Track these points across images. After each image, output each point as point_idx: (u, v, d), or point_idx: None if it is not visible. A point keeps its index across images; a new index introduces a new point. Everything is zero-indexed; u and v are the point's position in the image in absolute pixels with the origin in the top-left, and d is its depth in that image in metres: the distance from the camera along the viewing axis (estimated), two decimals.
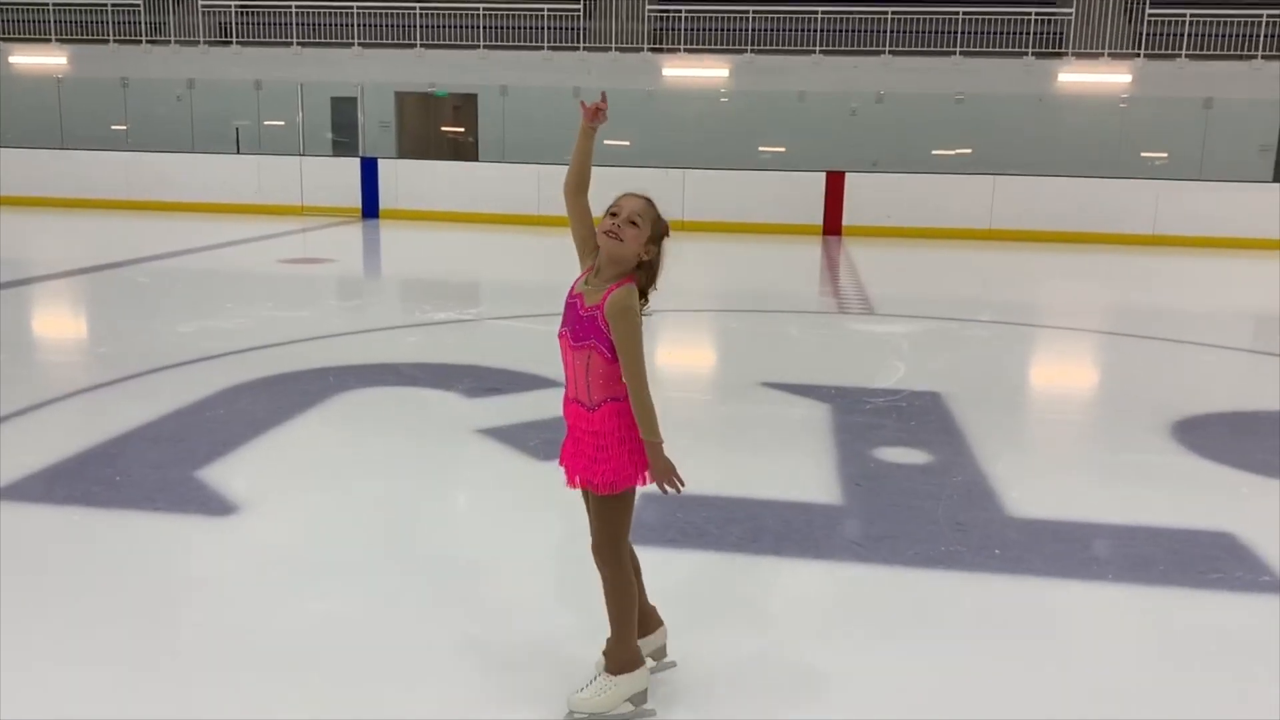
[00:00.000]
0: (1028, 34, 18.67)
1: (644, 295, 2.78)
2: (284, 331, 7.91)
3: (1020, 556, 4.01)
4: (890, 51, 18.72)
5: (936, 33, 18.66)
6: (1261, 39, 17.98)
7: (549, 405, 5.88)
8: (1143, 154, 18.15)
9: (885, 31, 18.71)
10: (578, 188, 2.85)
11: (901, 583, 3.77)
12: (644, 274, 2.77)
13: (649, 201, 2.80)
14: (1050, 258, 14.65)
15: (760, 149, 18.90)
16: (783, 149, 18.89)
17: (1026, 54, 18.70)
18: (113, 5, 20.39)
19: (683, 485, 2.70)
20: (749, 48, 19.06)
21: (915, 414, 6.02)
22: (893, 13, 18.71)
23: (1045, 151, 17.55)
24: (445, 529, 4.25)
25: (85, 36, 20.53)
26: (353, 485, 4.67)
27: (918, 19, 18.73)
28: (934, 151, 18.40)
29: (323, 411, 5.80)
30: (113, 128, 20.09)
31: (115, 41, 20.51)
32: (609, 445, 2.74)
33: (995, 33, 18.68)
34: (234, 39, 20.30)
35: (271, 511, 4.33)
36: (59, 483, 4.55)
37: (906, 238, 16.28)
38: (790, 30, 19.03)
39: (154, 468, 4.78)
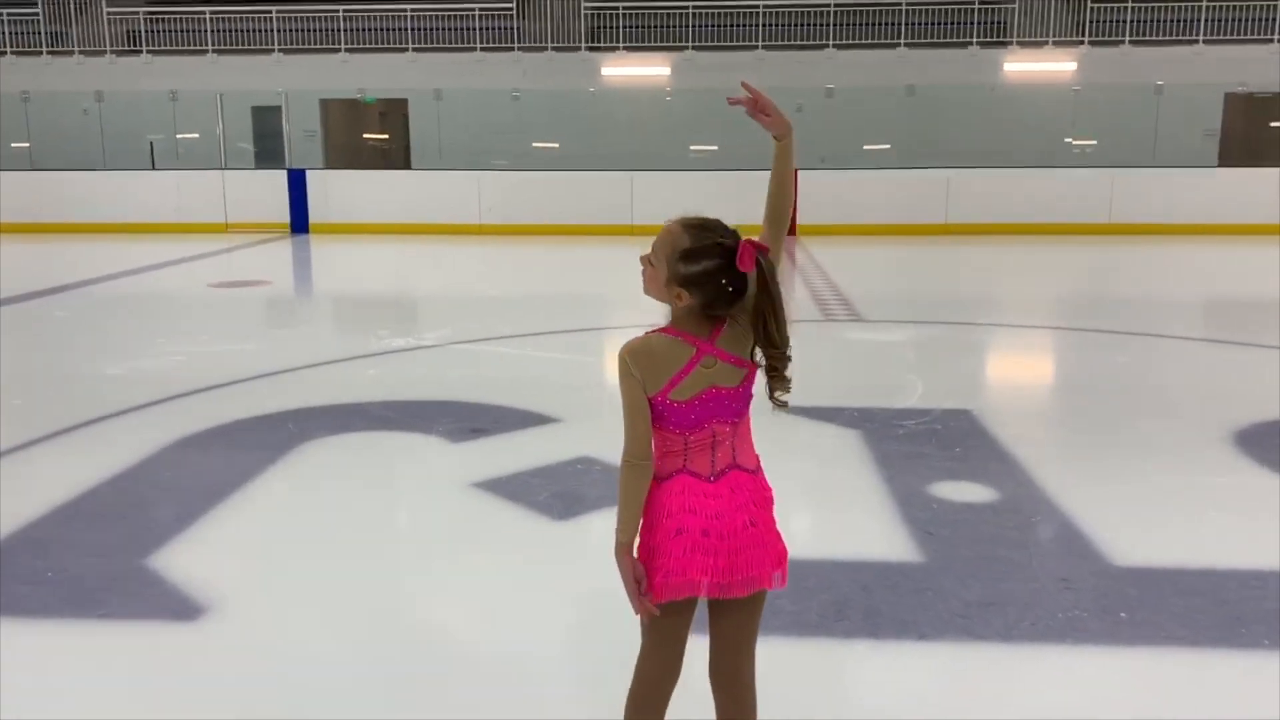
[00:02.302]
0: (972, 24, 18.38)
1: (773, 369, 2.15)
2: (228, 369, 7.04)
3: (1151, 620, 3.41)
4: (835, 45, 18.28)
5: (881, 24, 18.27)
6: (1203, 24, 17.92)
7: (546, 448, 5.18)
8: (1088, 142, 18.00)
9: (829, 25, 18.27)
10: (766, 219, 2.26)
11: (1034, 666, 3.15)
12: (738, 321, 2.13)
13: (675, 225, 2.17)
14: (1013, 251, 14.30)
15: (706, 147, 18.31)
16: (717, 147, 18.28)
17: (971, 44, 18.42)
18: (8, 15, 19.02)
19: (653, 611, 2.11)
20: (689, 44, 18.46)
21: (955, 438, 5.42)
22: (836, 5, 18.28)
23: (997, 142, 17.26)
24: (462, 623, 3.50)
25: None
26: (341, 567, 3.90)
27: (862, 10, 18.32)
28: (883, 145, 18.00)
29: (288, 469, 4.99)
30: (13, 145, 18.71)
31: (13, 53, 19.14)
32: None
33: (940, 23, 18.36)
34: (144, 48, 19.07)
35: (248, 612, 3.54)
36: None
37: (862, 235, 15.82)
38: (732, 25, 18.48)
39: (96, 555, 3.95)
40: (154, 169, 18.16)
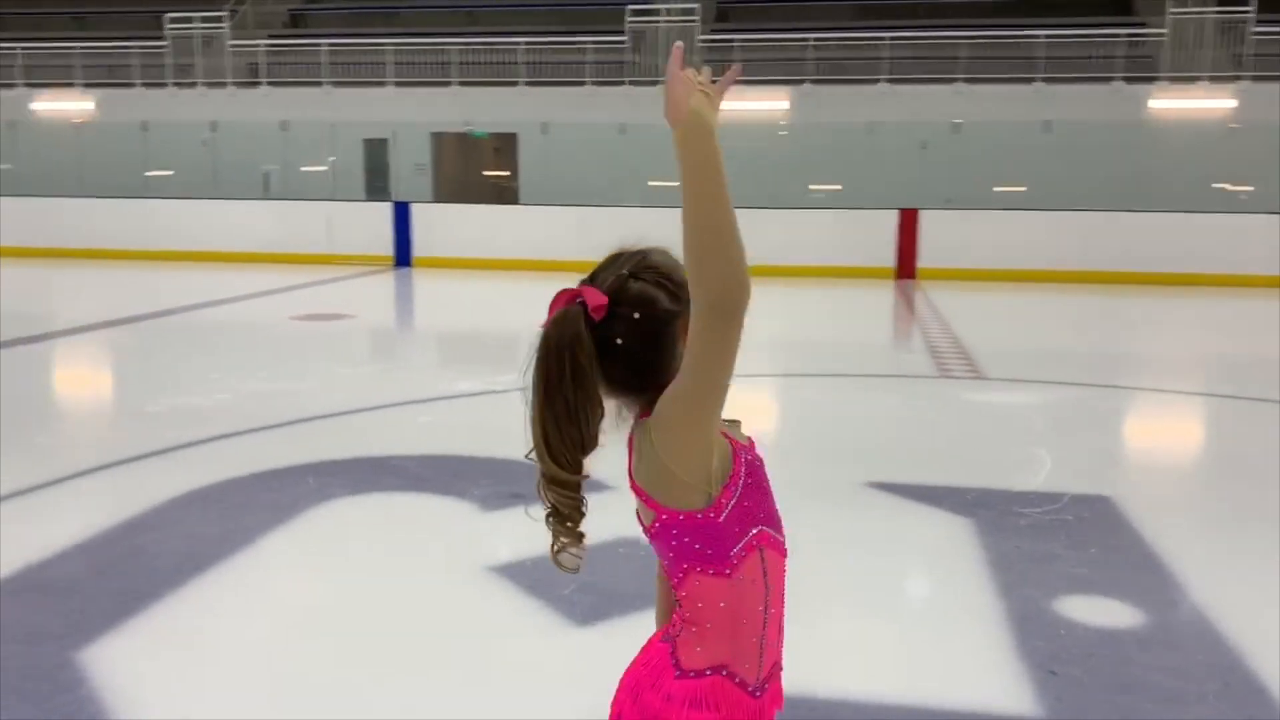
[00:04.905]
0: (1117, 57, 17.01)
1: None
2: (270, 411, 6.47)
3: None
4: (964, 79, 17.16)
5: (1016, 58, 17.07)
6: None
7: (588, 523, 4.35)
8: (1244, 187, 16.38)
9: (959, 58, 17.17)
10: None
11: None
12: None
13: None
14: (1160, 303, 12.92)
15: (821, 186, 17.39)
16: (840, 186, 17.35)
17: (1115, 79, 17.03)
18: (139, 49, 19.47)
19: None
20: (809, 77, 17.60)
21: (1090, 534, 4.40)
22: (967, 38, 17.17)
23: (1142, 183, 15.83)
24: None
25: (111, 81, 19.61)
26: (285, 672, 3.16)
27: (996, 44, 17.17)
28: (1016, 186, 16.75)
29: (284, 538, 4.31)
30: (146, 174, 19.06)
31: (142, 85, 19.57)
32: None
33: (1081, 57, 17.05)
34: (263, 79, 19.25)
35: None
36: None
37: (989, 281, 14.62)
38: (855, 58, 17.56)
39: (21, 643, 3.31)
40: (266, 198, 18.22)
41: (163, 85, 19.53)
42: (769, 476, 1.45)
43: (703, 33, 18.22)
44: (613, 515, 4.53)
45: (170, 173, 19.08)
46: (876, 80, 17.34)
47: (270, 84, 19.25)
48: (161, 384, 7.48)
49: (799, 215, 15.64)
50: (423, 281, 14.91)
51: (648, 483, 1.37)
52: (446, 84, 18.68)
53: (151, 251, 16.63)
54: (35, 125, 19.49)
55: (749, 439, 1.45)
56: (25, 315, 11.28)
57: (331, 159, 18.26)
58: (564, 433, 1.35)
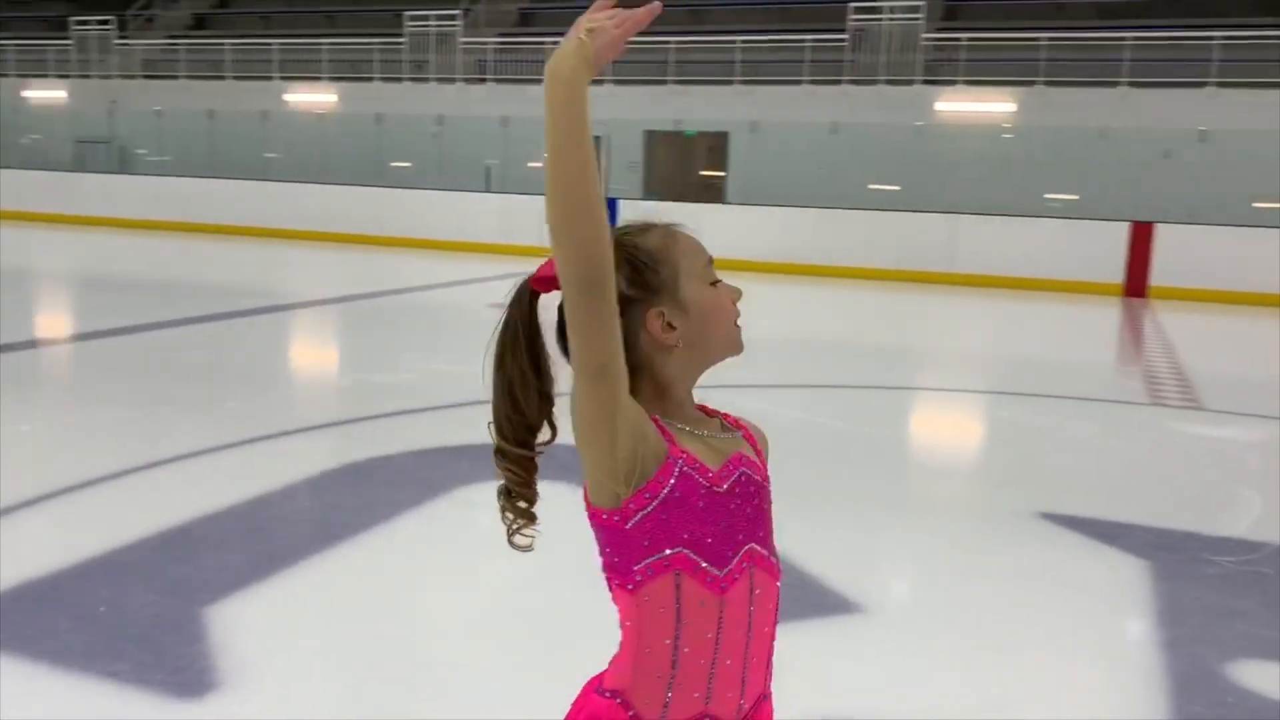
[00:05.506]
0: None
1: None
2: (447, 393, 6.67)
3: None
4: (1217, 82, 15.72)
5: (1273, 61, 15.47)
6: None
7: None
8: None
9: (1211, 60, 15.74)
10: (604, 209, 1.19)
11: None
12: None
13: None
14: None
15: (1049, 195, 16.38)
16: (1076, 195, 16.28)
17: None
18: (379, 44, 20.67)
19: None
20: (1040, 79, 16.60)
21: None
22: (1222, 39, 15.72)
23: None
24: None
25: (353, 75, 20.92)
26: (362, 659, 3.17)
27: (1254, 45, 15.63)
28: (1270, 203, 15.20)
29: (427, 514, 4.38)
30: (393, 165, 20.27)
31: (380, 79, 20.77)
32: None
33: None
34: (489, 76, 20.03)
35: (244, 701, 2.89)
36: (13, 610, 3.33)
37: (1229, 303, 13.33)
38: (1092, 59, 16.42)
39: (160, 593, 3.48)
40: (487, 191, 18.96)
41: (398, 80, 20.65)
42: (767, 502, 1.29)
43: (927, 31, 17.54)
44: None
45: (408, 164, 20.24)
46: (1116, 83, 16.16)
47: (495, 81, 20.00)
48: (356, 360, 7.86)
49: (1025, 224, 14.81)
50: None
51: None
52: (662, 83, 18.83)
53: (381, 237, 17.67)
54: (285, 115, 21.04)
55: (740, 455, 1.28)
56: (257, 289, 12.17)
57: (547, 155, 18.72)
58: (507, 407, 1.29)
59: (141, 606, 3.39)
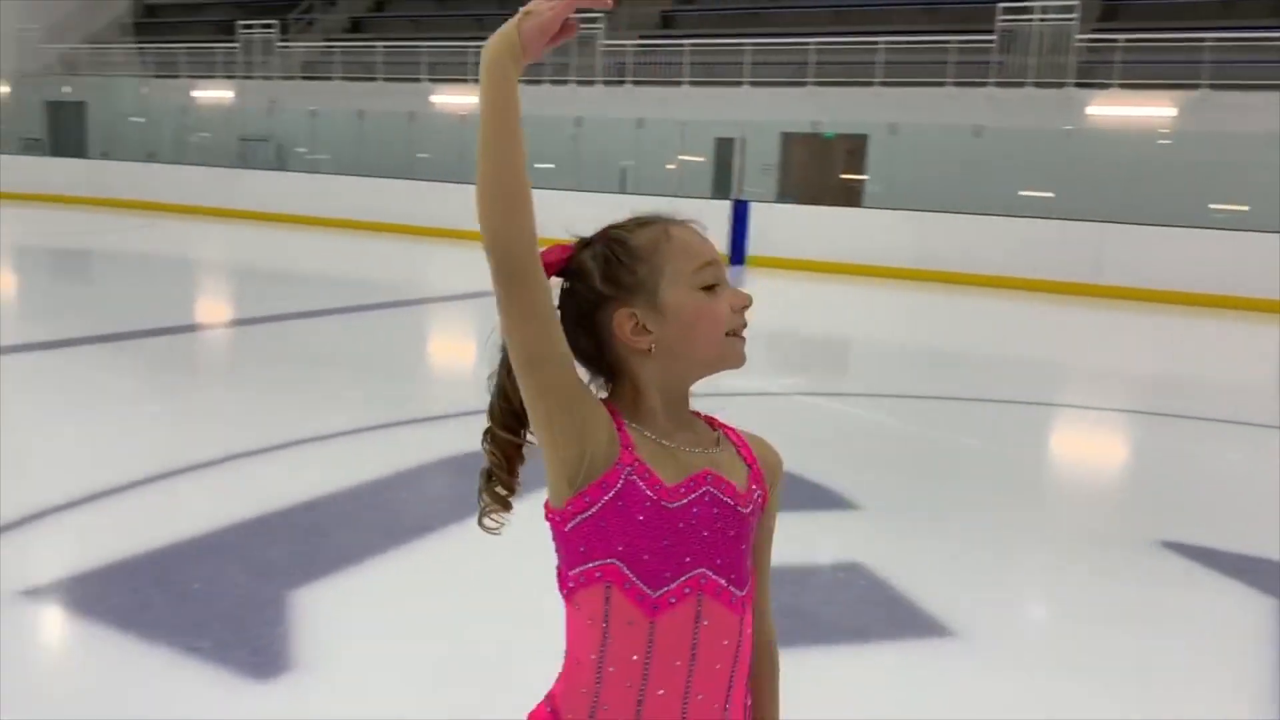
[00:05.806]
0: None
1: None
2: None
3: None
4: None
5: None
6: None
7: (818, 540, 4.06)
8: None
9: None
10: (525, 201, 1.15)
11: None
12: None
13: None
14: None
15: (1214, 205, 15.44)
16: (1245, 206, 15.29)
17: None
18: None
19: None
20: (1204, 81, 15.68)
21: None
22: None
23: None
24: None
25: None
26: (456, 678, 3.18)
27: None
28: None
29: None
30: (536, 166, 20.63)
31: (522, 82, 21.15)
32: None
33: None
34: (628, 78, 20.16)
35: (318, 685, 2.93)
36: (97, 587, 3.48)
37: None
38: (1264, 61, 15.41)
39: (251, 574, 3.59)
40: (622, 193, 19.07)
41: (538, 83, 20.99)
42: (740, 528, 1.18)
43: (1082, 31, 16.79)
44: (852, 539, 4.27)
45: (552, 165, 20.56)
46: None
47: (633, 83, 20.11)
48: (482, 354, 8.01)
49: (1183, 234, 13.99)
50: (751, 279, 14.92)
51: None
52: (801, 84, 18.59)
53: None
54: (431, 116, 21.65)
55: (708, 473, 1.18)
56: (394, 284, 12.57)
57: (680, 157, 18.75)
58: (498, 390, 1.28)
59: (233, 586, 3.50)
